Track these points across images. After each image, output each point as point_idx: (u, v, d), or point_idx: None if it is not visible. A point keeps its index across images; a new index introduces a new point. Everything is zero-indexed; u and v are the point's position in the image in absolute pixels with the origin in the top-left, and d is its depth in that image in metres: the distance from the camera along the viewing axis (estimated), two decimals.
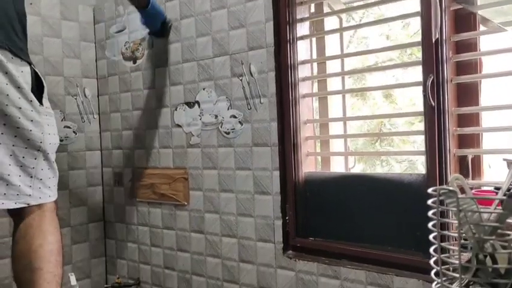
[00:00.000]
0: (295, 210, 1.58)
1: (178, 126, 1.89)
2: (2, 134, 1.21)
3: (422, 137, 1.29)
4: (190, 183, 1.86)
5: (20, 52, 1.28)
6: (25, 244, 1.24)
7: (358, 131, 1.96)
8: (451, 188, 0.55)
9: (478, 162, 1.28)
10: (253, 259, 1.68)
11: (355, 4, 1.57)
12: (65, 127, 2.10)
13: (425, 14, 1.26)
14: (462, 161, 1.29)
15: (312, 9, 1.63)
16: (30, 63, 1.31)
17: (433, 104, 1.26)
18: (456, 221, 0.55)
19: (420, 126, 1.34)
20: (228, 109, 1.72)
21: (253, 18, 1.62)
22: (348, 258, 1.47)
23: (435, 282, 0.63)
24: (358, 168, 1.79)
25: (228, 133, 1.73)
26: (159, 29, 1.89)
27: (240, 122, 1.69)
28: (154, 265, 2.02)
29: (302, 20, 1.58)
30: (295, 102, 1.57)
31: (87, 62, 2.19)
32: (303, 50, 1.60)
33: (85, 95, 2.18)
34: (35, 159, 1.24)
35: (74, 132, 2.14)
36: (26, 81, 1.25)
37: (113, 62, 2.15)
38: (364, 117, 1.64)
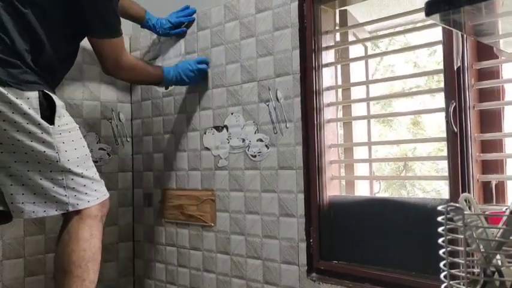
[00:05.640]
0: (319, 233, 1.60)
1: (207, 149, 1.96)
2: (27, 161, 1.31)
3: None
4: (217, 205, 1.91)
5: (25, 85, 1.31)
6: (60, 248, 1.37)
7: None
8: (457, 205, 0.58)
9: (502, 188, 1.28)
10: (277, 281, 1.70)
11: (380, 33, 1.62)
12: (99, 149, 2.20)
13: (447, 42, 1.30)
14: (486, 186, 1.30)
15: (337, 38, 1.69)
16: (40, 91, 1.34)
17: (456, 129, 1.28)
18: (462, 236, 0.58)
19: None
20: (255, 133, 1.78)
21: (281, 46, 1.69)
22: (371, 282, 1.47)
23: None
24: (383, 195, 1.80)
25: (254, 156, 1.78)
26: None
27: (266, 145, 1.74)
28: (181, 285, 2.06)
29: (327, 48, 1.64)
30: (319, 127, 1.62)
31: (122, 88, 2.31)
32: (328, 76, 1.65)
33: (119, 119, 2.29)
34: (62, 171, 1.33)
35: (108, 154, 2.24)
36: (32, 107, 1.32)
37: (146, 87, 2.25)
38: (387, 142, 1.66)
